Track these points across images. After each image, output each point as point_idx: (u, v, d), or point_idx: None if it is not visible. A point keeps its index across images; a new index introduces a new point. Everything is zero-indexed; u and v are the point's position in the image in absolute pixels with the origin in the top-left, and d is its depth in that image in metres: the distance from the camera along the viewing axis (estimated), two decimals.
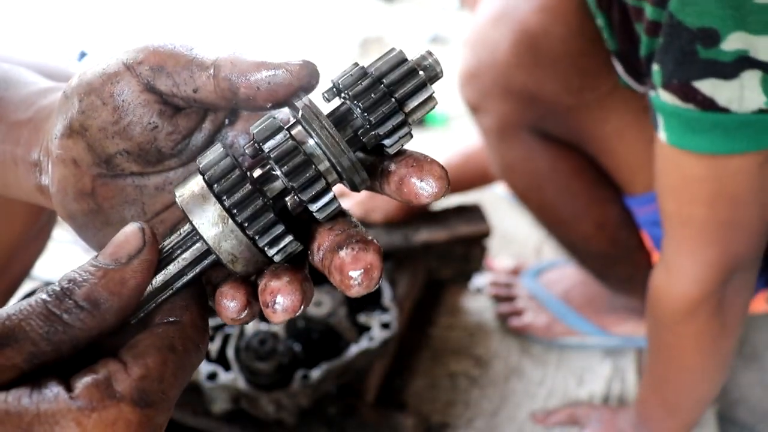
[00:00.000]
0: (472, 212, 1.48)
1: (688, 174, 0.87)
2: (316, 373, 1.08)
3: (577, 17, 1.04)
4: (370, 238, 0.40)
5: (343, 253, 0.38)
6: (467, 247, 1.46)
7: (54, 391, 0.35)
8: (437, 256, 1.46)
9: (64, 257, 1.51)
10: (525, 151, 1.18)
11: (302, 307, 0.40)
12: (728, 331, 0.99)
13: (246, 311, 0.42)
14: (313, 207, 0.40)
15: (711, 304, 0.95)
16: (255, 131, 0.41)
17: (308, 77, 0.41)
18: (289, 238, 0.40)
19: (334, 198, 0.41)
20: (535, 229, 1.66)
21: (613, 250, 1.24)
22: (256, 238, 0.40)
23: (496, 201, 1.76)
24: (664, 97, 0.84)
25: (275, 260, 0.41)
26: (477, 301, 1.51)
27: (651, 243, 1.22)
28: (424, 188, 0.39)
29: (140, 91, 0.44)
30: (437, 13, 2.71)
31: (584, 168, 1.19)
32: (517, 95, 1.11)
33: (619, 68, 1.03)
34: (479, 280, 1.53)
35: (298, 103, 0.41)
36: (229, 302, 0.41)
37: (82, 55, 1.92)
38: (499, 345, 1.41)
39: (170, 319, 0.41)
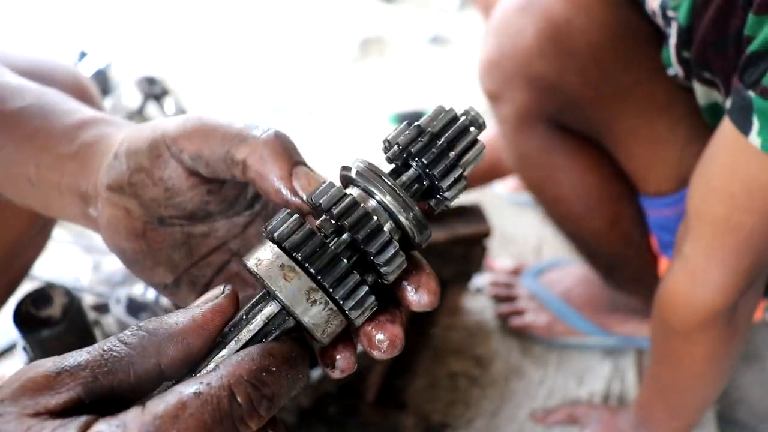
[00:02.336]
0: (472, 212, 1.48)
1: (762, 181, 0.82)
2: (316, 373, 1.08)
3: (602, 10, 1.04)
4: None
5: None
6: (467, 247, 1.46)
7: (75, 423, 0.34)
8: (437, 256, 1.45)
9: (64, 257, 1.51)
10: (542, 142, 1.17)
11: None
12: (738, 337, 0.98)
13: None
14: (383, 270, 0.41)
15: (729, 311, 0.93)
16: (320, 199, 0.41)
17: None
18: (372, 299, 0.40)
19: (401, 253, 0.41)
20: (535, 229, 1.67)
21: (623, 249, 1.22)
22: (341, 302, 0.40)
23: (496, 201, 1.76)
24: None
25: (357, 323, 0.41)
26: (477, 301, 1.51)
27: (657, 247, 1.21)
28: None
29: (186, 177, 0.47)
30: (437, 13, 2.70)
31: (601, 163, 1.17)
32: (537, 84, 1.10)
33: (672, 51, 0.98)
34: (479, 280, 1.53)
35: (356, 165, 0.42)
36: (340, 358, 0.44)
37: (82, 55, 1.92)
38: (500, 345, 1.41)
39: (198, 386, 0.37)
